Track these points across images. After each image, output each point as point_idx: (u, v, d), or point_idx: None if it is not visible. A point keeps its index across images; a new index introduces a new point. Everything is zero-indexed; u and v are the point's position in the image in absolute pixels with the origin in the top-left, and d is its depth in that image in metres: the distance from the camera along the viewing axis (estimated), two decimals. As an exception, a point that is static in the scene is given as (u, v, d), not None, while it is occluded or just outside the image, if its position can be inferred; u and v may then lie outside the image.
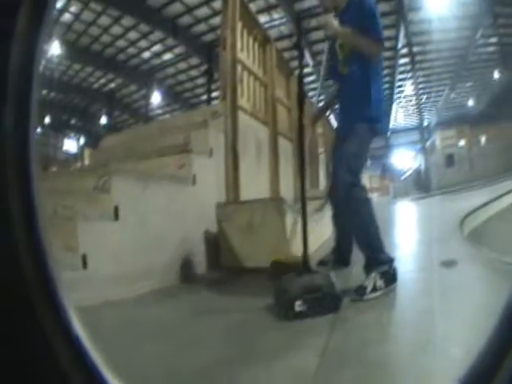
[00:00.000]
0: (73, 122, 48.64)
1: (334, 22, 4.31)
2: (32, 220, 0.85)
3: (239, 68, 7.28)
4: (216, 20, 24.71)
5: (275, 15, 26.34)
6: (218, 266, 5.70)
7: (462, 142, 33.93)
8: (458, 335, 2.67)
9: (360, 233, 4.26)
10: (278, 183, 8.77)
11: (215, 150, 6.42)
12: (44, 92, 35.05)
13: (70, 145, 47.99)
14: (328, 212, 5.62)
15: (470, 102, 49.61)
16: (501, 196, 13.64)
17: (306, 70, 26.75)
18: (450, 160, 33.02)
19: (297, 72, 4.92)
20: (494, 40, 35.95)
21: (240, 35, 7.42)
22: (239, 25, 7.33)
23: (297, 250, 4.20)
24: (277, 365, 2.52)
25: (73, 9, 26.70)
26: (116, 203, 4.47)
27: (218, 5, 19.38)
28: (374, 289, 3.88)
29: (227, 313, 3.80)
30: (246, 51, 7.81)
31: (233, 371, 2.44)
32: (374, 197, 32.49)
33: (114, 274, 4.17)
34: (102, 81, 39.23)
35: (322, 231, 6.45)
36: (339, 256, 4.99)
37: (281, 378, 2.35)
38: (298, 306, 3.36)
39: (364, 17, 4.27)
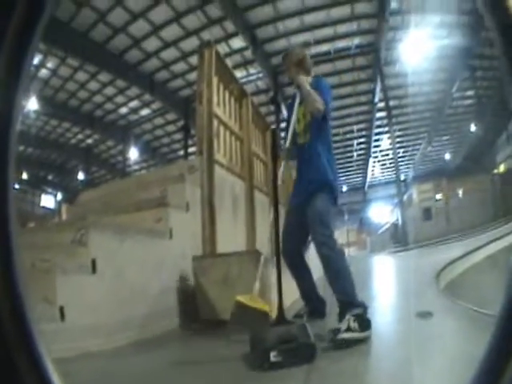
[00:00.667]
0: (50, 177, 48.52)
1: (301, 77, 4.88)
2: (11, 274, 0.87)
3: (215, 122, 7.39)
4: (193, 75, 24.99)
5: (252, 70, 26.69)
6: (196, 318, 5.68)
7: (439, 196, 34.22)
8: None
9: (336, 280, 4.41)
10: (255, 236, 8.81)
11: (192, 204, 6.50)
12: (21, 148, 35.23)
13: (48, 200, 47.97)
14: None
15: (447, 156, 50.18)
16: (476, 249, 13.72)
17: (283, 125, 27.11)
18: (427, 213, 33.39)
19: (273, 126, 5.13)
20: (470, 93, 36.55)
21: (216, 90, 7.55)
22: (215, 79, 7.47)
23: (273, 302, 4.22)
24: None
25: (50, 64, 26.82)
26: (93, 256, 4.47)
27: (194, 60, 19.81)
28: (349, 329, 3.98)
29: (204, 364, 3.81)
30: (222, 106, 7.95)
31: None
32: (352, 251, 32.67)
33: (92, 326, 4.16)
34: (80, 136, 39.28)
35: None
36: (313, 308, 5.04)
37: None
38: (274, 356, 3.33)
39: (320, 88, 4.87)
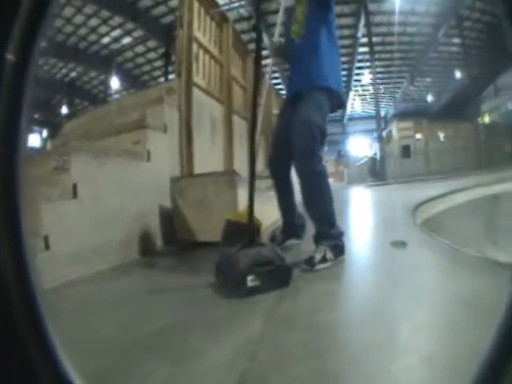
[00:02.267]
0: (35, 116, 47.99)
1: None
2: (15, 225, 0.86)
3: (195, 46, 7.33)
4: (175, 1, 24.59)
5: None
6: (173, 241, 5.74)
7: (419, 135, 34.42)
8: (402, 308, 2.77)
9: (315, 205, 4.20)
10: (232, 159, 8.89)
11: (170, 126, 6.43)
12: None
13: (34, 140, 47.34)
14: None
15: (429, 98, 50.47)
16: (454, 192, 13.72)
17: (264, 53, 26.91)
18: (405, 151, 33.67)
19: (254, 53, 4.90)
20: (457, 41, 36.47)
21: (197, 14, 7.47)
22: (196, 4, 7.37)
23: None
24: (224, 330, 2.56)
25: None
26: (74, 181, 4.44)
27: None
28: (324, 260, 3.91)
29: (177, 289, 3.72)
30: (202, 30, 7.86)
31: (181, 340, 2.49)
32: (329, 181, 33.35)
33: (74, 253, 4.17)
34: (64, 71, 38.94)
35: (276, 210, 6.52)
36: (291, 228, 4.95)
37: (227, 341, 2.38)
38: (251, 280, 3.18)
39: None
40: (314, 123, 4.10)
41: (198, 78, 7.36)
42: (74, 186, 4.42)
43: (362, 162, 36.88)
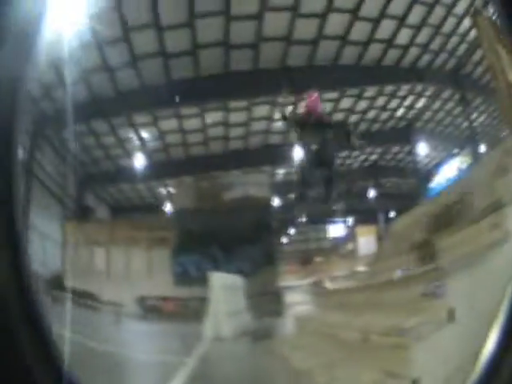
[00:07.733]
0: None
1: None
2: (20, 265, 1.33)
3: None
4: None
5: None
6: None
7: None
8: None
9: None
10: None
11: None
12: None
13: (338, 228, 45.03)
14: None
15: None
16: None
17: None
18: None
19: None
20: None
21: (505, 56, 6.78)
22: (499, 46, 6.79)
23: None
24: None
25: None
26: (451, 306, 4.50)
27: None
28: None
29: None
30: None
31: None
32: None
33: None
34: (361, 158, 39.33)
35: None
36: None
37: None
38: None
39: None
40: None
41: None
42: (451, 311, 4.46)
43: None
